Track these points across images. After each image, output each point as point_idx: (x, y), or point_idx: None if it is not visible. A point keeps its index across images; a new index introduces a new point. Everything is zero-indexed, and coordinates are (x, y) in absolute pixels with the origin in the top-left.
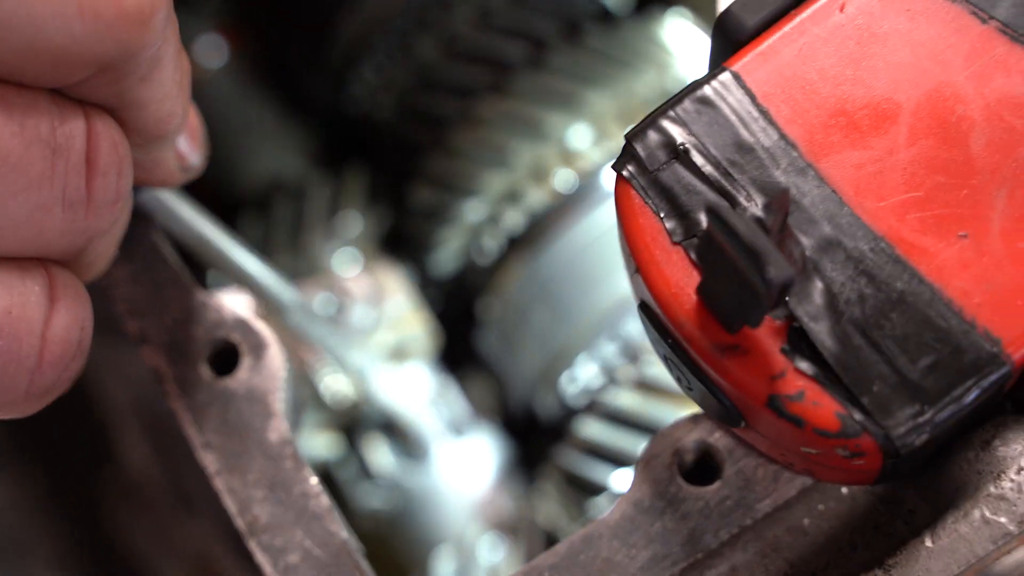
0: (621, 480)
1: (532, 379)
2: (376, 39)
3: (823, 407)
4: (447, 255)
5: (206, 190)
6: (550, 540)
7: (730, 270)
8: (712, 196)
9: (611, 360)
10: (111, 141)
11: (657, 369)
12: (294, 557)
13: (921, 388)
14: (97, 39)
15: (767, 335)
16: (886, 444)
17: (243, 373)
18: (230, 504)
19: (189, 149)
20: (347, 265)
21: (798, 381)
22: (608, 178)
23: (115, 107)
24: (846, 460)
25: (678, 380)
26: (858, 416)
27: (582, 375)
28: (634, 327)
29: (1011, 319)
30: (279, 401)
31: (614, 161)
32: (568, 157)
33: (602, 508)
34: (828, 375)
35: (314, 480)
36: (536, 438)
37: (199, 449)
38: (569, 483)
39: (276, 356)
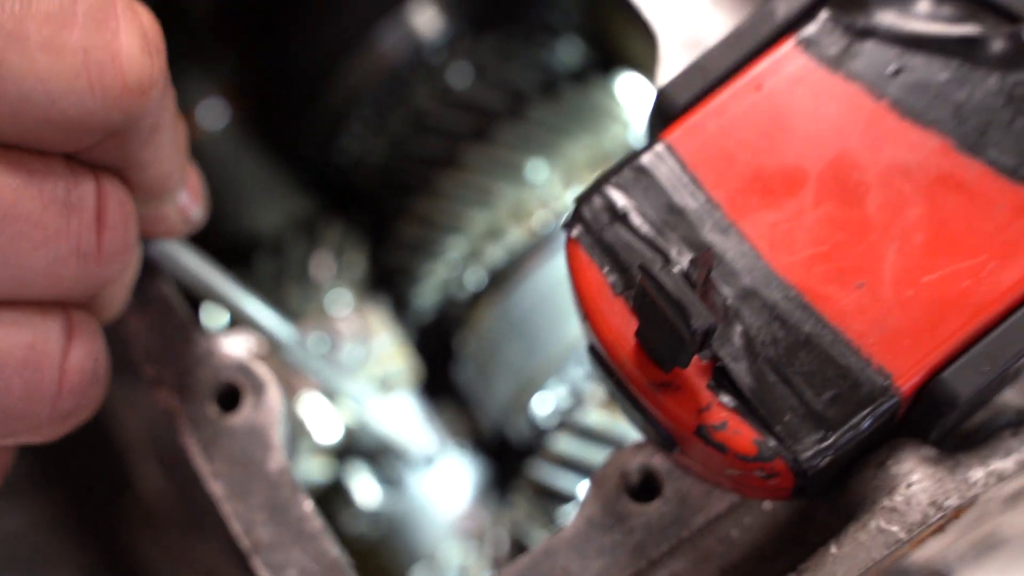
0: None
1: (504, 406)
2: (364, 97)
3: (742, 435)
4: (428, 290)
5: (214, 239)
6: (518, 547)
7: (661, 320)
8: (648, 253)
9: (579, 383)
10: (118, 199)
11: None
12: (292, 573)
13: (824, 417)
14: (105, 110)
15: (695, 373)
16: (795, 466)
17: (246, 411)
18: (236, 526)
19: (190, 203)
20: (338, 306)
21: (721, 413)
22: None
23: (121, 168)
24: (764, 480)
25: (623, 411)
26: (772, 443)
27: (553, 397)
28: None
29: (900, 356)
30: (277, 435)
31: (564, 221)
32: (543, 200)
33: (570, 515)
34: (746, 407)
35: (309, 504)
36: (508, 459)
37: (208, 479)
38: (540, 493)
39: (275, 395)
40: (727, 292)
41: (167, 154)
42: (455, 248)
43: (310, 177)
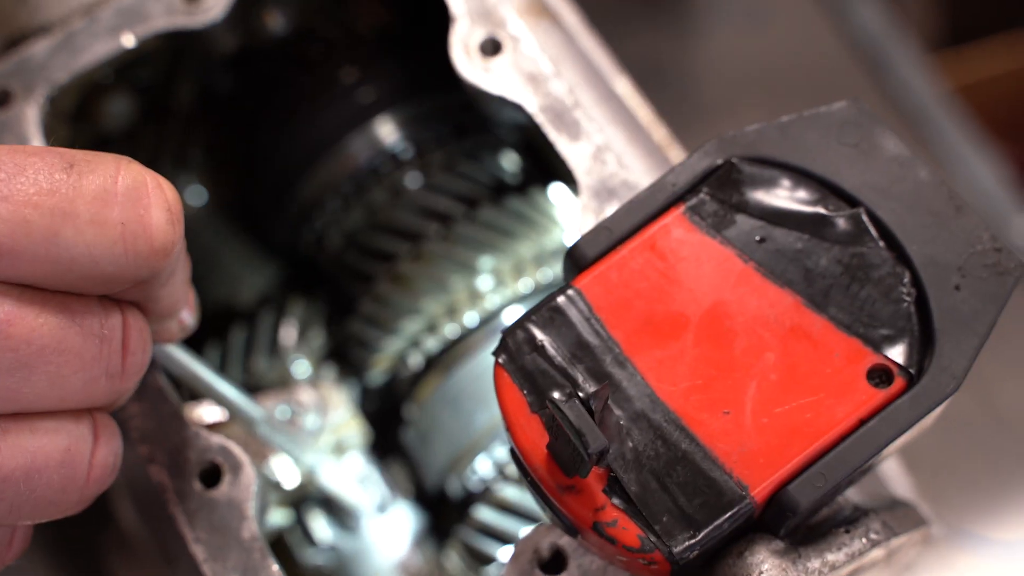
0: (506, 554)
1: (441, 468)
2: (330, 194)
3: (629, 531)
4: (380, 363)
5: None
6: None
7: (565, 439)
8: (559, 380)
9: (501, 460)
10: (139, 329)
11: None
12: None
13: (694, 520)
14: (136, 268)
15: (593, 480)
16: (670, 557)
17: (225, 487)
18: None
19: (188, 317)
20: (299, 379)
21: (613, 513)
22: (505, 317)
23: (141, 302)
24: (646, 566)
25: (537, 503)
26: (652, 538)
27: (480, 468)
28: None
29: (755, 472)
30: (251, 508)
31: (494, 349)
32: (475, 299)
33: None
34: (633, 509)
35: (275, 566)
36: (445, 512)
37: (191, 543)
38: (468, 554)
39: (249, 473)
40: (621, 414)
41: (179, 290)
42: (405, 329)
43: (280, 259)
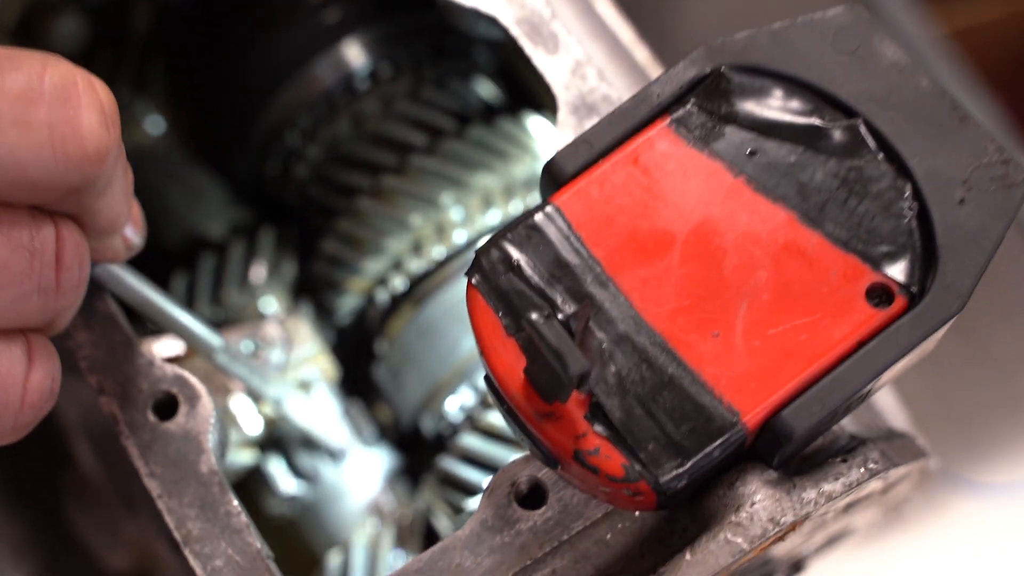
0: (472, 503)
1: (416, 405)
2: (294, 121)
3: (612, 460)
4: (347, 303)
5: (159, 241)
6: (427, 530)
7: (544, 362)
8: (536, 301)
9: (469, 404)
10: (74, 242)
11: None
12: (219, 562)
13: (682, 447)
14: (66, 175)
15: (574, 406)
16: (656, 487)
17: (180, 418)
18: (169, 520)
19: (132, 233)
20: (265, 313)
21: (595, 440)
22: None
23: (77, 214)
24: (631, 497)
25: (513, 433)
26: (637, 467)
27: (459, 399)
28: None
29: (747, 397)
30: (209, 440)
31: (467, 270)
32: (446, 230)
33: (474, 505)
34: (617, 436)
35: (235, 502)
36: (418, 451)
37: (145, 477)
38: (447, 484)
39: (207, 404)
40: (603, 337)
41: (118, 201)
42: (374, 264)
43: (247, 190)
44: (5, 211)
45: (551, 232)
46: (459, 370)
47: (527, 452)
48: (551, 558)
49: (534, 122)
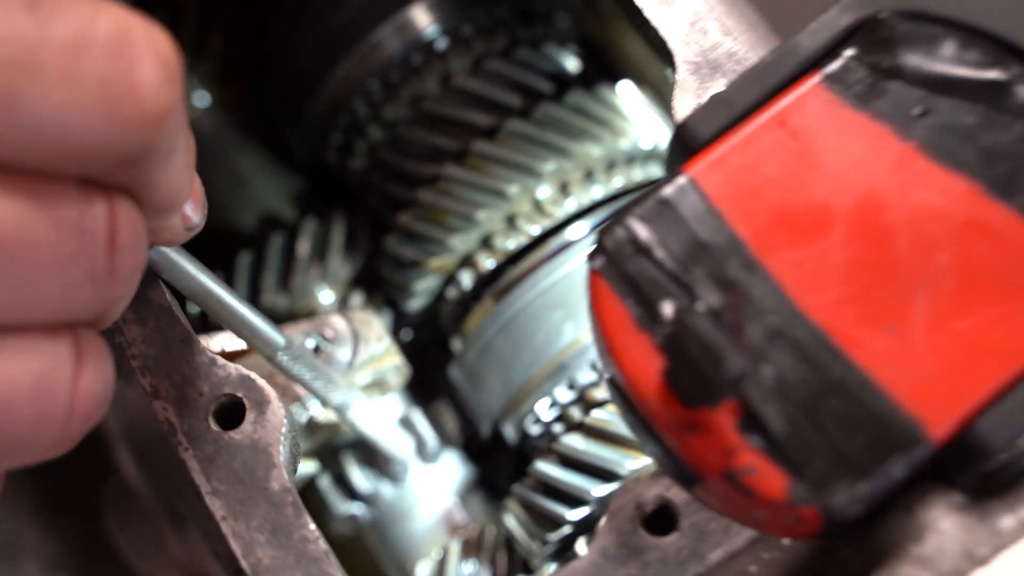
0: (576, 515)
1: (495, 410)
2: (359, 91)
3: (772, 479)
4: (422, 289)
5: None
6: (513, 557)
7: (690, 361)
8: (673, 289)
9: (565, 403)
10: (130, 221)
11: (605, 413)
12: None
13: (857, 463)
14: (121, 138)
15: (723, 415)
16: (827, 511)
17: (247, 427)
18: (235, 547)
19: (193, 212)
20: (329, 308)
21: (750, 456)
22: (566, 235)
23: (133, 189)
24: (791, 524)
25: (642, 445)
26: (803, 488)
27: (542, 410)
28: (584, 376)
29: (933, 404)
30: (280, 452)
31: (589, 253)
32: (536, 210)
33: (562, 536)
34: (777, 451)
35: (312, 526)
36: (498, 461)
37: (206, 496)
38: (532, 513)
39: (277, 411)
40: (754, 332)
41: (179, 175)
42: (452, 244)
43: (302, 174)
44: (51, 184)
45: (686, 208)
46: (551, 369)
47: (646, 468)
48: None
49: (630, 93)
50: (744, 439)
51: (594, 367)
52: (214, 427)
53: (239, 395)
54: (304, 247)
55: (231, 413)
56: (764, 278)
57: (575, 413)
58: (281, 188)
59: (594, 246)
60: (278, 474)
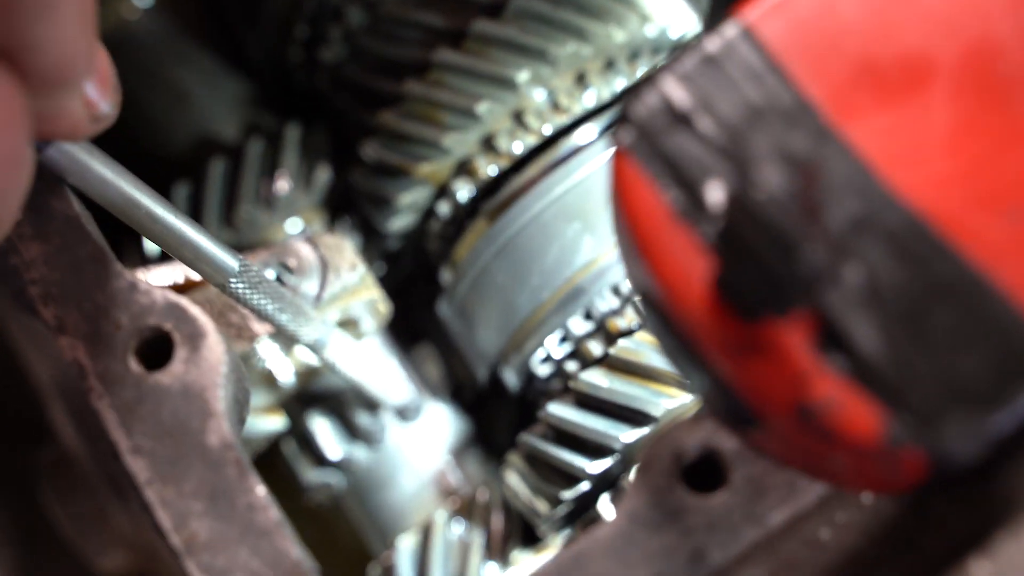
0: (597, 467)
1: (495, 350)
2: None
3: (860, 415)
4: (402, 213)
5: (130, 150)
6: (525, 525)
7: (752, 260)
8: (723, 168)
9: (581, 335)
10: (4, 92)
11: (632, 344)
12: None
13: (975, 391)
14: None
15: (794, 329)
16: (935, 457)
17: (177, 366)
18: (164, 519)
19: (99, 96)
20: (292, 232)
21: (830, 384)
22: (581, 135)
23: (9, 49)
24: (884, 473)
25: (683, 374)
26: (902, 425)
27: (550, 351)
28: (604, 303)
29: None
30: (220, 398)
31: (611, 128)
32: (540, 109)
33: (578, 494)
34: (867, 376)
35: (261, 490)
36: (497, 411)
37: (127, 454)
38: (539, 467)
39: (215, 346)
40: (832, 221)
41: (69, 32)
42: (435, 164)
43: (262, 81)
44: None
45: (737, 64)
46: (563, 296)
47: (686, 408)
48: (739, 568)
49: None
50: (823, 361)
51: (616, 291)
52: (135, 368)
53: (166, 327)
54: (250, 172)
55: (156, 350)
56: (842, 151)
57: (594, 347)
58: (229, 102)
59: (619, 118)
60: (216, 425)
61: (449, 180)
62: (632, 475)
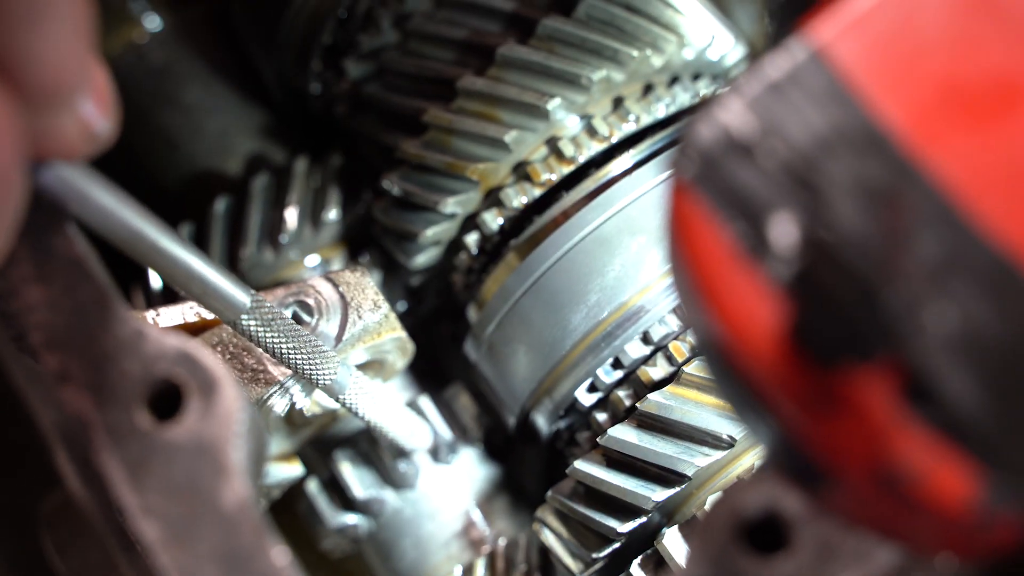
0: (627, 527)
1: (526, 392)
2: (338, 8)
3: (952, 476)
4: (427, 248)
5: (134, 177)
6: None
7: (830, 299)
8: (796, 202)
9: (610, 384)
10: None
11: (662, 398)
12: None
13: None
14: None
15: (876, 380)
16: None
17: (189, 419)
18: None
19: (96, 114)
20: (312, 267)
21: (917, 441)
22: (620, 163)
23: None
24: (973, 538)
25: (748, 426)
26: (1002, 486)
27: (580, 398)
28: (636, 349)
29: None
30: (235, 453)
31: (672, 162)
32: (575, 139)
33: (610, 553)
34: (959, 431)
35: (281, 554)
36: (528, 457)
37: (138, 516)
38: (572, 527)
39: (230, 396)
40: (916, 260)
41: (62, 43)
42: (462, 197)
43: (276, 107)
44: None
45: (807, 90)
46: (597, 338)
47: (717, 464)
48: None
49: None
50: (908, 415)
51: (645, 338)
52: (144, 420)
53: (177, 377)
54: (255, 212)
55: (167, 401)
56: (926, 182)
57: (623, 398)
58: (239, 129)
59: (679, 151)
60: (232, 483)
61: (477, 212)
62: (692, 540)
